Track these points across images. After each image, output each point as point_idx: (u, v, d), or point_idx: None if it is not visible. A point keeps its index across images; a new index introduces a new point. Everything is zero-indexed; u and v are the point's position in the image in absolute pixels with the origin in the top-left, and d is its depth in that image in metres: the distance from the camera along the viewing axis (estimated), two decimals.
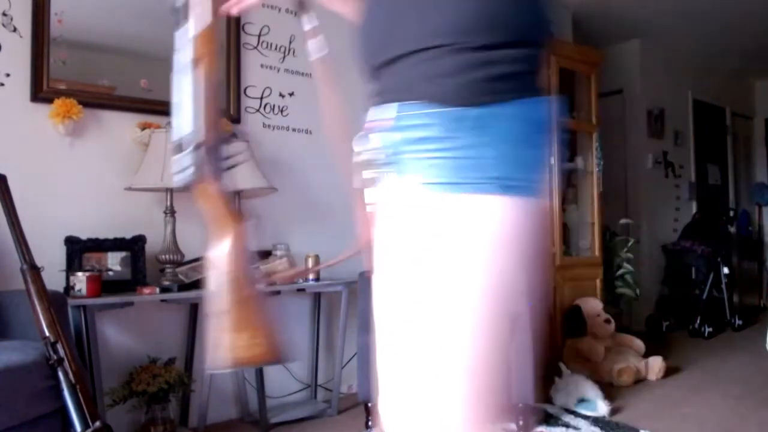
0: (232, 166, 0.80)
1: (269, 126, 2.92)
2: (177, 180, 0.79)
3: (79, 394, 1.65)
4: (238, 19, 2.81)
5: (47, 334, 1.68)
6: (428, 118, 0.66)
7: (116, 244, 2.28)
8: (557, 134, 0.75)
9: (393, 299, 0.71)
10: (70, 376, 1.65)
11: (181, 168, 0.78)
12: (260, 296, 0.79)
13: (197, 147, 0.76)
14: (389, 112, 0.69)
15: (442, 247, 0.67)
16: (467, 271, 0.66)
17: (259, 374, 2.49)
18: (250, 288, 0.78)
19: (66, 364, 1.66)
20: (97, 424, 1.65)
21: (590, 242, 3.87)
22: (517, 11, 0.70)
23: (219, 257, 0.78)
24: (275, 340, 0.78)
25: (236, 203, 2.57)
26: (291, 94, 3.01)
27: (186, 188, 0.78)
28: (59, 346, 1.67)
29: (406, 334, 0.70)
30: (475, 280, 0.67)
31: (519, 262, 0.69)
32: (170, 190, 2.34)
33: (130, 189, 2.32)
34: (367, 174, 0.74)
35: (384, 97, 0.72)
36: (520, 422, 2.37)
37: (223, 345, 0.76)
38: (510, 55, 0.68)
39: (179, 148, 0.77)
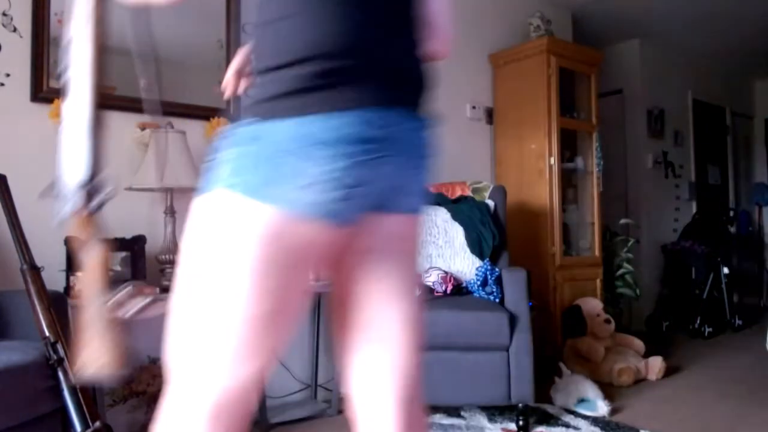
0: (104, 202, 0.89)
1: None
2: (56, 220, 0.88)
3: (79, 394, 1.65)
4: (238, 19, 2.81)
5: (47, 334, 1.68)
6: (228, 133, 0.79)
7: (116, 244, 2.28)
8: (349, 148, 0.76)
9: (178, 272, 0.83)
10: (70, 376, 1.65)
11: (62, 208, 0.88)
12: (115, 318, 0.90)
13: (80, 187, 0.87)
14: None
15: (190, 240, 0.80)
16: (192, 259, 0.79)
17: None
18: (106, 310, 0.88)
19: (66, 364, 1.66)
20: (97, 424, 1.65)
21: (590, 242, 3.87)
22: (288, 34, 0.76)
23: (84, 280, 0.89)
24: (121, 359, 0.90)
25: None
26: None
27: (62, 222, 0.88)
28: (59, 346, 1.67)
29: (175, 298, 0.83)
30: (196, 268, 0.78)
31: (241, 265, 0.76)
32: (170, 190, 2.34)
33: (130, 189, 2.32)
34: None
35: None
36: (520, 422, 2.37)
37: (83, 357, 0.87)
38: (279, 76, 0.76)
39: (66, 193, 0.88)
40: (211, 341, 0.77)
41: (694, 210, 5.60)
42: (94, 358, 0.86)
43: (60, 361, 1.66)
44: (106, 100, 0.91)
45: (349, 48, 0.77)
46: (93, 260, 0.87)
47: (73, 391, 1.65)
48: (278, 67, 0.76)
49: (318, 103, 0.74)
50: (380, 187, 0.82)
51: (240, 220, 0.75)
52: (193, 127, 2.62)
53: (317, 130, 0.74)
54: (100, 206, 0.86)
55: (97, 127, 0.89)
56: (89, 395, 1.70)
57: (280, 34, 0.77)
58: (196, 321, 0.78)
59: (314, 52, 0.75)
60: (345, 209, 0.78)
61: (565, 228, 3.85)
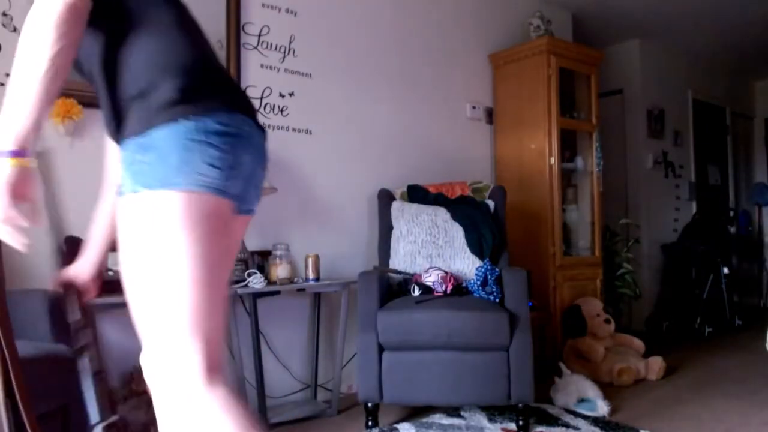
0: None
1: (269, 126, 2.92)
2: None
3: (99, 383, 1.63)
4: (238, 19, 2.81)
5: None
6: (128, 147, 0.99)
7: (116, 245, 2.28)
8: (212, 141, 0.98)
9: (127, 273, 1.03)
10: (95, 362, 1.63)
11: None
12: None
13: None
14: (122, 147, 1.01)
15: (135, 231, 0.98)
16: (147, 244, 0.97)
17: (259, 374, 2.48)
18: None
19: (92, 349, 1.64)
20: (116, 417, 1.63)
21: (590, 242, 3.87)
22: (147, 64, 1.04)
23: None
24: None
25: None
26: (291, 94, 3.01)
27: None
28: (85, 333, 1.65)
29: (135, 293, 1.03)
30: (152, 250, 0.96)
31: (184, 238, 0.95)
32: None
33: None
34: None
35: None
36: (520, 422, 2.37)
37: None
38: (151, 96, 0.99)
39: None
40: (181, 306, 0.96)
41: (694, 210, 5.60)
42: None
43: (83, 348, 1.63)
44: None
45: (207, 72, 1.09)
46: None
47: (97, 378, 1.62)
48: (147, 91, 1.02)
49: (174, 114, 0.97)
50: (244, 173, 1.04)
51: (170, 206, 0.94)
52: None
53: (184, 131, 0.95)
54: None
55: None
56: (107, 387, 1.68)
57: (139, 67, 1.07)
58: (168, 295, 0.97)
59: (163, 76, 1.02)
60: (230, 186, 1.00)
61: (565, 228, 3.85)
